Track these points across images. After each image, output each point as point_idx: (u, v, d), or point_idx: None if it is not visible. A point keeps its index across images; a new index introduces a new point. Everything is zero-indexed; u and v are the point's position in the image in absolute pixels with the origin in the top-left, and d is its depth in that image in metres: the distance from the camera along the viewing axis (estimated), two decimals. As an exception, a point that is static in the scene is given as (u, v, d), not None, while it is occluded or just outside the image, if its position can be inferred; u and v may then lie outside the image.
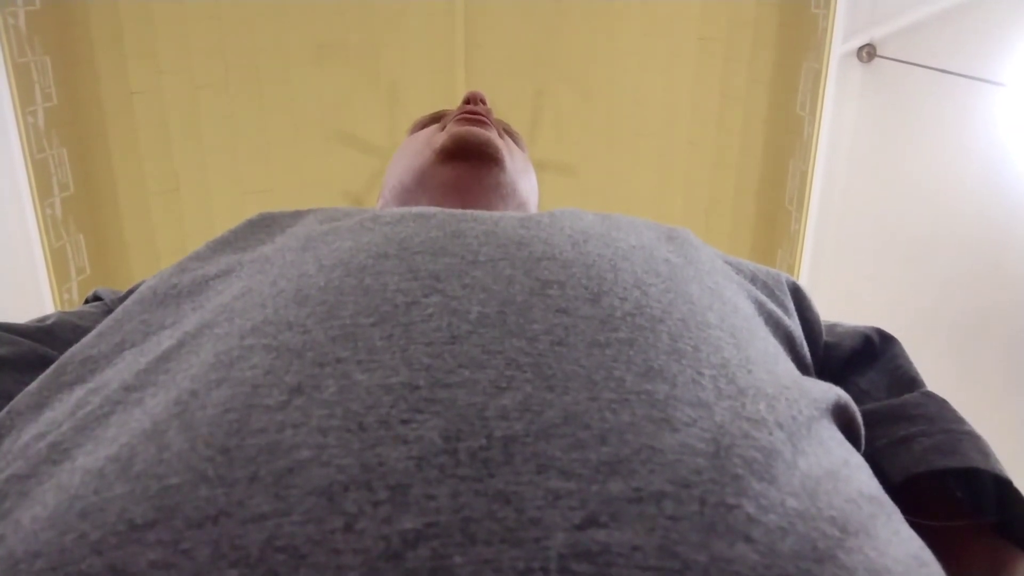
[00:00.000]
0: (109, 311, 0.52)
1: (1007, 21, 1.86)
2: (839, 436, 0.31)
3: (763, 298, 0.45)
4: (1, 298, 2.07)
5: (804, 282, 2.30)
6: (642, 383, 0.28)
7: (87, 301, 0.57)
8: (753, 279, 0.47)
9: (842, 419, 0.34)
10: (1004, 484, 0.39)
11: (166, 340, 0.33)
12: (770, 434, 0.26)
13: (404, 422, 0.25)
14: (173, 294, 0.39)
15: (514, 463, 0.24)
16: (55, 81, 2.17)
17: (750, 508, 0.23)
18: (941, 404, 0.45)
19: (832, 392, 0.33)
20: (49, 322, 0.49)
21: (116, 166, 2.44)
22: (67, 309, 2.03)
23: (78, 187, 2.29)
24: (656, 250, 0.41)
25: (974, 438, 0.41)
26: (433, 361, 0.28)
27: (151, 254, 2.56)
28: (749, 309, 0.41)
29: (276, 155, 2.67)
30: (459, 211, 0.43)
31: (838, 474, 0.27)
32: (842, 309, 2.24)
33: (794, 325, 0.46)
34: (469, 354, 0.28)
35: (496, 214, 0.42)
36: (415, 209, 0.43)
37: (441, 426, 0.25)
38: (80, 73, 2.29)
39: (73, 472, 0.26)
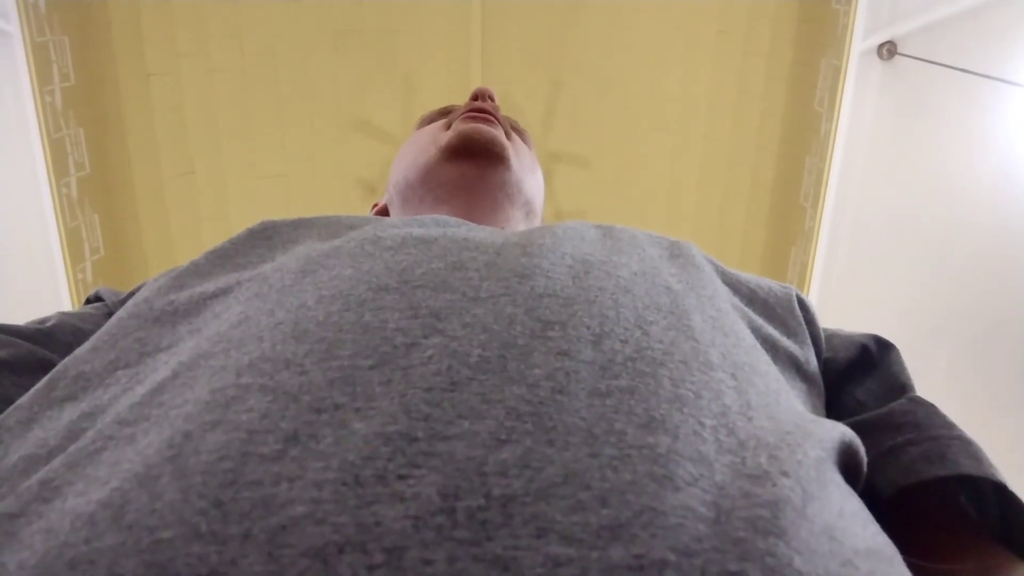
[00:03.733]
0: (110, 313, 0.52)
1: (1031, 22, 1.83)
2: (838, 479, 0.31)
3: (760, 322, 0.44)
4: (16, 278, 2.08)
5: (817, 281, 2.29)
6: (644, 436, 0.27)
7: (88, 301, 0.57)
8: (751, 299, 0.46)
9: (845, 457, 0.33)
10: (1001, 488, 0.38)
11: (161, 367, 0.33)
12: (774, 485, 0.26)
13: (401, 478, 0.24)
14: (169, 311, 0.38)
15: (513, 525, 0.23)
16: (73, 61, 2.18)
17: (755, 574, 0.23)
18: (929, 409, 0.44)
19: (836, 431, 0.32)
20: (49, 324, 0.49)
21: (132, 148, 2.46)
22: (80, 291, 2.02)
23: (94, 167, 2.30)
24: (658, 275, 0.40)
25: (964, 443, 0.40)
26: (432, 410, 0.27)
27: (165, 236, 2.58)
28: (750, 338, 0.40)
29: (291, 140, 2.67)
30: (461, 234, 0.42)
31: (833, 528, 0.26)
32: (855, 308, 2.22)
33: (796, 346, 0.45)
34: (468, 403, 0.28)
35: (499, 239, 0.42)
36: (417, 229, 0.43)
37: (439, 482, 0.24)
38: (98, 54, 2.30)
39: (63, 515, 0.25)
